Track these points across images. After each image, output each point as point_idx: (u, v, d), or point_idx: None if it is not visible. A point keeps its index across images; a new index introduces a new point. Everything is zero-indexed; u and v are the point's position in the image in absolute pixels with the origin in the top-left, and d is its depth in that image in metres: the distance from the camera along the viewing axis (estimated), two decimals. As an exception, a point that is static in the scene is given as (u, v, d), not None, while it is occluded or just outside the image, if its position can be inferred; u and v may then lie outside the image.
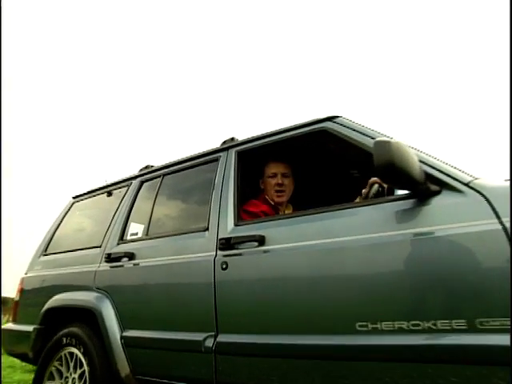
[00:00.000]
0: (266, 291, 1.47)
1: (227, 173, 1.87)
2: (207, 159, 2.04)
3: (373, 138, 1.44)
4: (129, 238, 2.19)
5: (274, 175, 1.99)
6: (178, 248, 1.85)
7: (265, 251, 1.53)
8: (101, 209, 2.57)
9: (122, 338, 1.89)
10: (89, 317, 2.05)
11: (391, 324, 1.14)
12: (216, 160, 1.98)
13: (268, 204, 1.95)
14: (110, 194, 2.55)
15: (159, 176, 2.26)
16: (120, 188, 2.50)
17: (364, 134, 1.49)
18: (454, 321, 1.05)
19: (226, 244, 1.63)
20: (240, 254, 1.60)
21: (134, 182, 2.42)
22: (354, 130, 1.54)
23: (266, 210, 1.88)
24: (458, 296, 1.08)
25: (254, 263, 1.55)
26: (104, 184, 2.64)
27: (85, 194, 2.78)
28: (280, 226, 1.55)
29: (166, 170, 2.24)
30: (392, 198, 1.35)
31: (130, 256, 2.02)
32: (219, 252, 1.66)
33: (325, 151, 2.02)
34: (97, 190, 2.69)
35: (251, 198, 2.01)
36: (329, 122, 1.65)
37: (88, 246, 2.36)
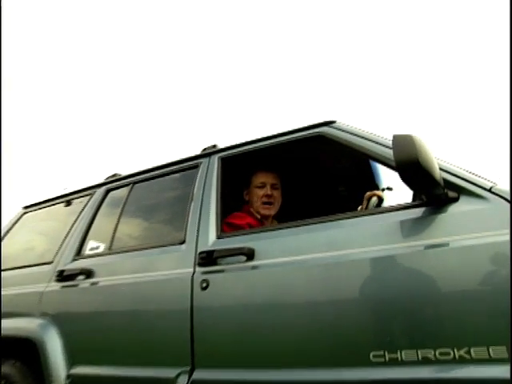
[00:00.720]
0: (256, 316, 1.24)
1: (209, 181, 1.66)
2: (185, 166, 1.82)
3: (375, 142, 1.32)
4: (87, 252, 1.88)
5: (263, 185, 1.80)
6: (147, 264, 1.58)
7: (254, 267, 1.31)
8: (57, 220, 2.23)
9: (68, 376, 1.54)
10: (30, 350, 1.68)
11: (414, 353, 0.95)
12: (196, 167, 1.77)
13: (253, 217, 1.75)
14: (68, 203, 2.23)
15: (128, 184, 2.00)
16: (82, 197, 2.19)
17: (365, 138, 1.36)
18: (491, 347, 0.88)
19: (208, 258, 1.39)
20: (224, 271, 1.37)
21: (98, 190, 2.13)
22: (354, 134, 1.40)
23: (252, 223, 1.67)
24: (490, 317, 0.92)
25: (241, 281, 1.32)
26: (63, 192, 2.32)
27: (38, 203, 2.43)
28: (272, 238, 1.35)
29: (136, 178, 1.99)
30: (401, 205, 1.20)
31: (88, 273, 1.71)
32: (198, 268, 1.42)
33: (318, 160, 1.88)
34: (53, 199, 2.36)
35: (233, 210, 1.79)
36: (325, 127, 1.51)
37: (37, 263, 2.00)
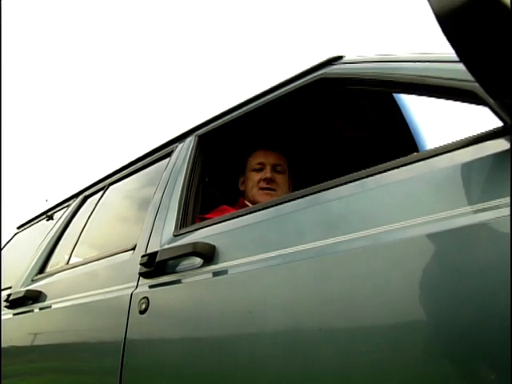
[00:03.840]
0: (211, 357, 0.72)
1: (177, 165, 1.22)
2: (160, 155, 1.41)
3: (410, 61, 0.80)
4: (48, 270, 1.51)
5: (261, 167, 1.30)
6: (92, 280, 1.15)
7: (215, 273, 0.81)
8: (37, 238, 1.94)
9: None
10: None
11: None
12: (170, 154, 1.35)
13: None
14: (50, 217, 1.93)
15: (103, 187, 1.64)
16: (62, 208, 1.88)
17: (383, 62, 0.85)
18: None
19: (149, 265, 0.92)
20: (169, 283, 0.88)
21: (78, 198, 1.80)
22: (374, 61, 0.89)
23: None
24: None
25: (191, 299, 0.82)
26: (49, 206, 2.04)
27: (28, 221, 2.18)
28: (243, 227, 0.84)
29: (111, 179, 1.62)
30: (467, 140, 0.62)
31: (34, 297, 1.33)
32: (142, 281, 0.95)
33: (323, 112, 1.32)
34: (40, 214, 2.09)
35: (222, 204, 1.32)
36: (329, 67, 1.01)
37: (4, 287, 1.68)
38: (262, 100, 1.14)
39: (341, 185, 0.72)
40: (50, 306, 1.21)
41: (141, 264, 0.93)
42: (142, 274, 0.94)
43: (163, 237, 1.01)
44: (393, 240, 0.58)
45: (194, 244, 0.83)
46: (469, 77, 0.59)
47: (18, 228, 2.24)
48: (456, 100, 0.71)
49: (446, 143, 0.65)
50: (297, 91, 1.07)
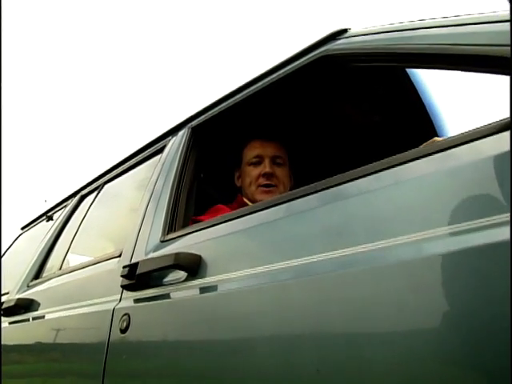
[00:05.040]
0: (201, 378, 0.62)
1: (168, 162, 1.11)
2: (152, 150, 1.30)
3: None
4: (44, 275, 1.44)
5: (259, 160, 1.15)
6: (81, 289, 1.06)
7: (201, 289, 0.69)
8: (39, 239, 1.88)
9: None
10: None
11: None
12: (163, 149, 1.24)
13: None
14: (50, 218, 1.87)
15: (99, 186, 1.55)
16: (61, 208, 1.81)
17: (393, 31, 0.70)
18: None
19: (130, 277, 0.81)
20: (151, 298, 0.77)
21: (75, 198, 1.72)
22: (376, 33, 0.75)
23: None
24: None
25: (172, 319, 0.71)
26: (49, 206, 1.98)
27: (31, 222, 2.13)
28: (234, 234, 0.72)
29: (105, 177, 1.53)
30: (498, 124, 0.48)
31: (26, 305, 1.25)
32: (125, 294, 0.85)
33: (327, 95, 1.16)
34: (41, 215, 2.03)
35: (220, 203, 1.20)
36: (333, 43, 0.87)
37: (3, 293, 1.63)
38: (259, 84, 1.01)
39: (343, 183, 0.59)
40: (39, 317, 1.14)
41: (122, 276, 0.83)
42: (124, 287, 0.84)
43: (149, 243, 0.90)
44: (410, 257, 0.44)
45: (176, 255, 0.72)
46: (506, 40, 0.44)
47: (22, 229, 2.20)
48: (491, 72, 0.56)
49: (475, 127, 0.50)
50: (297, 72, 0.93)
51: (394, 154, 0.58)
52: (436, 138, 0.91)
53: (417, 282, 0.43)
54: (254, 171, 1.15)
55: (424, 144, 0.89)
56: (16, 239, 2.17)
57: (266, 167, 1.13)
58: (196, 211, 1.11)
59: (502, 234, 0.38)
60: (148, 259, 0.80)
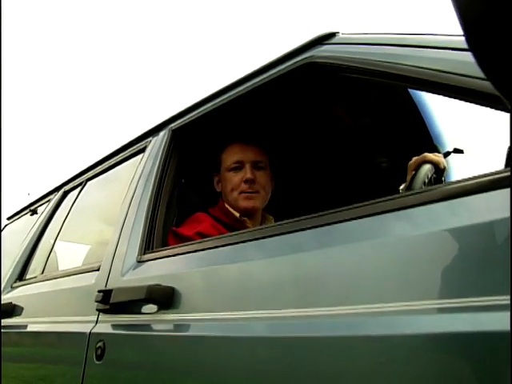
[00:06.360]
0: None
1: (147, 167, 1.06)
2: (134, 150, 1.25)
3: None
4: (28, 276, 1.42)
5: (239, 166, 1.10)
6: (60, 302, 1.04)
7: (176, 325, 0.66)
8: (24, 233, 1.84)
9: None
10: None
11: None
12: (144, 149, 1.18)
13: (226, 217, 1.09)
14: (34, 212, 1.82)
15: (82, 182, 1.50)
16: (45, 202, 1.77)
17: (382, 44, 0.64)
18: None
19: (104, 302, 0.78)
20: (125, 326, 0.75)
21: (58, 193, 1.67)
22: (369, 43, 0.68)
23: (211, 231, 1.00)
24: None
25: (147, 351, 0.69)
26: (32, 199, 1.93)
27: (16, 213, 2.09)
28: (211, 265, 0.69)
29: (88, 174, 1.47)
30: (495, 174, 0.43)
31: (9, 311, 1.24)
32: (102, 316, 0.83)
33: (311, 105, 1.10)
34: (26, 207, 1.98)
35: (200, 210, 1.15)
36: (319, 48, 0.79)
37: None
38: (241, 88, 0.94)
39: (339, 221, 0.54)
40: (21, 327, 1.12)
41: (96, 301, 0.80)
42: (100, 310, 0.82)
43: (126, 261, 0.87)
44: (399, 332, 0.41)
45: (149, 288, 0.68)
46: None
47: (9, 219, 2.16)
48: (483, 105, 0.51)
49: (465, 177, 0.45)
50: (280, 78, 0.86)
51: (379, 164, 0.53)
52: (426, 154, 0.87)
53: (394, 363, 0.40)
54: (235, 177, 1.10)
55: (414, 159, 0.85)
56: (2, 229, 2.13)
57: (247, 173, 1.08)
58: (177, 218, 1.08)
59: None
60: (121, 288, 0.77)
